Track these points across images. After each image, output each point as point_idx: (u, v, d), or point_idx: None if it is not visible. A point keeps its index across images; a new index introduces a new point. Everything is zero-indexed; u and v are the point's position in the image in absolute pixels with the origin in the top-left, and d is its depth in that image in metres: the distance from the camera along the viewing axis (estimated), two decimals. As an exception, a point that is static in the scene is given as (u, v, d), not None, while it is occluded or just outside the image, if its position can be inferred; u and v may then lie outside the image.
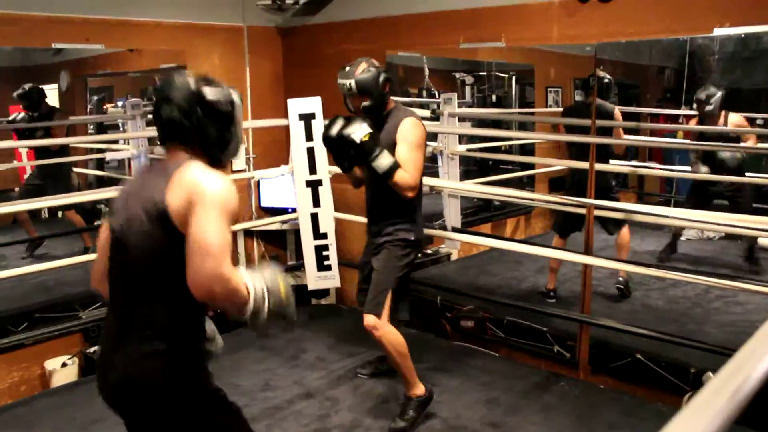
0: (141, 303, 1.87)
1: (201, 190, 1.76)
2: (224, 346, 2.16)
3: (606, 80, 4.15)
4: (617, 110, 4.27)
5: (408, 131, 3.17)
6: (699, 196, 4.54)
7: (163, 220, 1.78)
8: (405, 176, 3.09)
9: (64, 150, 4.93)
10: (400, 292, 3.39)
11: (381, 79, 3.19)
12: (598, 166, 3.76)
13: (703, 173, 4.32)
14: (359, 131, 3.03)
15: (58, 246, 5.06)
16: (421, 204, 3.42)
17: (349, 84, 3.15)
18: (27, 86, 4.61)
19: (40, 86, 4.67)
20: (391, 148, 3.14)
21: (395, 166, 3.06)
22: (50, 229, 5.24)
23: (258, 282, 1.82)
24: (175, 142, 1.92)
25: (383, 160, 3.05)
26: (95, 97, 5.48)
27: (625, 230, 4.32)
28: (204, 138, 1.91)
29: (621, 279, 4.39)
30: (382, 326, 3.21)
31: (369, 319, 3.22)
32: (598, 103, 4.08)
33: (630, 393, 3.61)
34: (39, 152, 4.92)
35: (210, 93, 1.89)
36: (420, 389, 3.30)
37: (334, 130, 3.11)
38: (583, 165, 3.83)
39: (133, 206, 1.86)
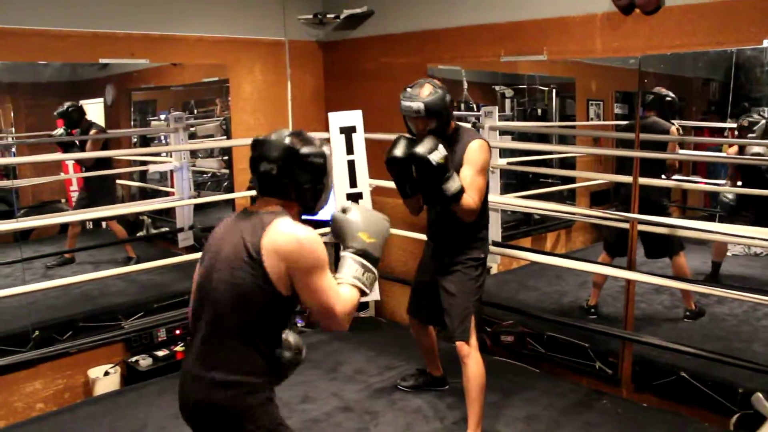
0: (223, 340, 2.02)
1: (302, 250, 1.95)
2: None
3: (668, 98, 4.07)
4: (674, 128, 4.18)
5: (476, 154, 3.12)
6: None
7: (255, 267, 1.95)
8: (469, 201, 3.04)
9: (104, 163, 5.01)
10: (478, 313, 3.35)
11: (448, 100, 3.11)
12: (643, 181, 3.70)
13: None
14: (436, 153, 2.92)
15: (103, 256, 5.14)
16: (488, 222, 3.41)
17: (417, 107, 3.05)
18: (66, 105, 4.70)
19: (80, 105, 4.74)
20: (457, 169, 3.09)
21: (462, 190, 3.01)
22: (93, 240, 5.32)
23: (355, 268, 2.07)
24: (271, 195, 2.08)
25: (453, 183, 2.98)
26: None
27: (681, 259, 4.18)
28: (299, 191, 2.07)
29: (689, 312, 4.26)
30: (474, 353, 3.20)
31: (462, 347, 3.19)
32: (652, 120, 4.02)
33: (674, 412, 3.53)
34: (83, 167, 5.02)
35: (305, 149, 2.04)
36: None
37: (403, 151, 3.01)
38: (627, 179, 3.78)
39: (224, 249, 2.04)
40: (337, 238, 2.19)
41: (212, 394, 2.01)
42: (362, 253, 2.09)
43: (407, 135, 3.14)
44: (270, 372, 2.09)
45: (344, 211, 2.17)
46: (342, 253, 2.13)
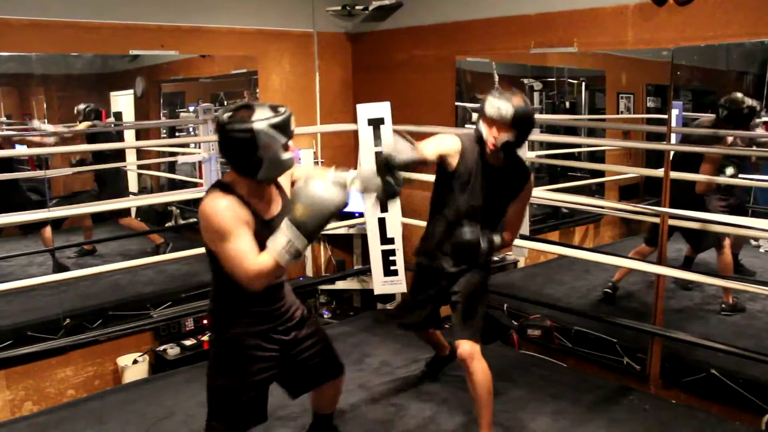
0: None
1: (204, 221, 2.25)
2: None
3: (746, 107, 3.84)
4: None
5: (531, 190, 3.16)
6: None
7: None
8: (511, 237, 3.19)
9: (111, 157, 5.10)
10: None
11: (532, 121, 2.91)
12: (674, 175, 3.65)
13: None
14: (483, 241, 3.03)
15: (131, 246, 5.19)
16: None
17: (507, 111, 2.80)
18: (83, 106, 4.75)
19: (98, 108, 4.80)
20: (510, 201, 3.10)
21: (503, 239, 3.13)
22: (114, 231, 5.37)
23: (279, 240, 2.21)
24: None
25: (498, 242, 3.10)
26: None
27: (726, 250, 4.10)
28: (234, 163, 2.29)
29: (725, 305, 4.13)
30: (479, 354, 3.01)
31: (466, 346, 2.99)
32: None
33: (704, 410, 3.48)
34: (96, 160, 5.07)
35: (230, 125, 2.21)
36: None
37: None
38: (658, 173, 3.72)
39: None
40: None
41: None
42: (295, 224, 2.19)
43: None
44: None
45: (306, 181, 2.25)
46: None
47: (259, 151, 2.20)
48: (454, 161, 3.00)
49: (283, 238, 2.20)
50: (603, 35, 3.77)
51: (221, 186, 2.29)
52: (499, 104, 2.82)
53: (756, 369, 3.33)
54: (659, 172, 3.69)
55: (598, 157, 5.34)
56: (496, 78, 4.92)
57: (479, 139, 2.96)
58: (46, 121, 4.77)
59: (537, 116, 5.08)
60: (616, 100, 5.22)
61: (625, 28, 3.63)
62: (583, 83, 5.39)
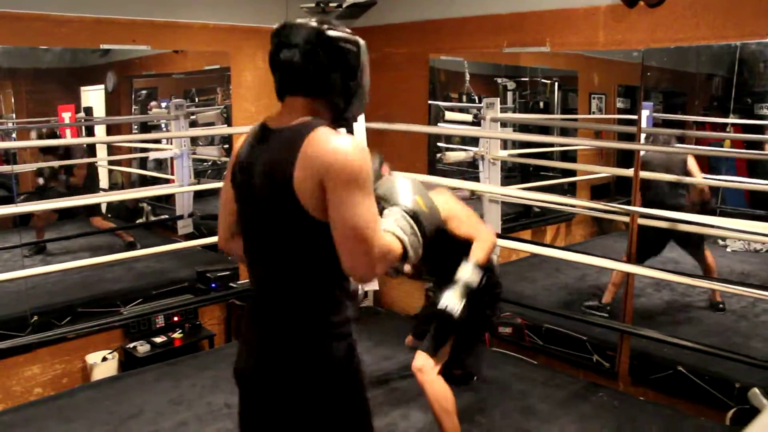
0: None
1: (339, 167, 1.56)
2: None
3: None
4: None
5: (442, 204, 2.90)
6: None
7: (291, 199, 1.60)
8: (484, 245, 2.94)
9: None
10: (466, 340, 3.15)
11: None
12: (644, 174, 3.70)
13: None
14: (454, 303, 2.77)
15: (101, 242, 5.14)
16: None
17: None
18: None
19: None
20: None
21: (478, 266, 2.86)
22: (82, 228, 5.31)
23: (403, 224, 1.78)
24: (294, 94, 1.70)
25: (476, 279, 2.84)
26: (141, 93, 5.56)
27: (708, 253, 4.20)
28: (327, 84, 1.68)
29: (722, 305, 4.22)
30: (430, 369, 2.93)
31: (419, 359, 2.95)
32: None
33: (671, 406, 3.53)
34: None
35: (334, 32, 1.67)
36: None
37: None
38: (627, 173, 3.77)
39: (257, 180, 1.69)
40: (384, 197, 1.94)
41: None
42: (412, 215, 1.82)
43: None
44: None
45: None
46: (388, 209, 1.87)
47: (360, 72, 1.73)
48: None
49: (401, 221, 1.79)
50: (575, 35, 3.80)
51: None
52: None
53: (721, 366, 3.39)
54: (629, 172, 3.73)
55: (570, 156, 5.40)
56: (468, 76, 4.95)
57: None
58: (14, 115, 4.71)
59: (510, 115, 5.14)
60: (588, 101, 5.28)
61: (597, 29, 3.67)
62: (556, 83, 5.44)
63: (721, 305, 4.20)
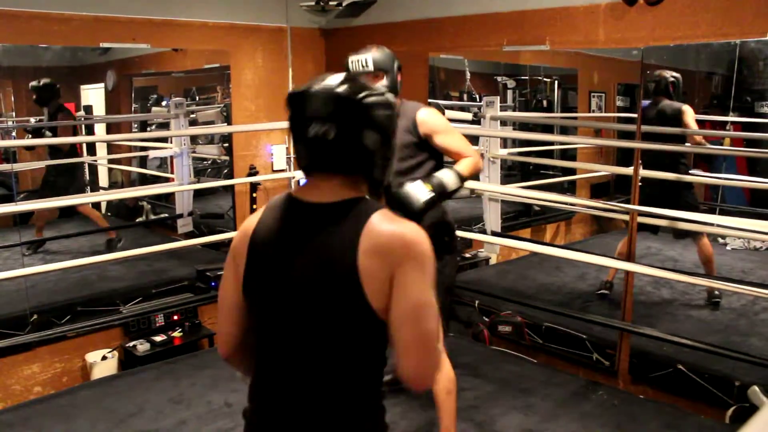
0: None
1: (415, 256, 1.39)
2: None
3: (671, 79, 4.06)
4: (687, 111, 4.11)
5: (433, 121, 2.89)
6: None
7: (354, 291, 1.38)
8: (470, 164, 2.77)
9: (73, 150, 4.96)
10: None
11: (397, 62, 2.93)
12: (643, 173, 3.69)
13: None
14: (418, 199, 2.59)
15: (99, 241, 5.14)
16: None
17: (365, 59, 2.83)
18: (40, 81, 4.59)
19: (54, 84, 4.68)
20: (412, 143, 2.87)
21: (460, 174, 2.71)
22: (74, 227, 5.31)
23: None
24: (330, 172, 1.48)
25: (451, 182, 2.67)
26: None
27: (705, 240, 4.20)
28: (368, 160, 1.47)
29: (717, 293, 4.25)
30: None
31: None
32: (664, 104, 4.03)
33: (670, 404, 3.53)
34: (51, 151, 4.93)
35: (370, 98, 1.45)
36: None
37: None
38: (627, 171, 3.77)
39: (299, 266, 1.44)
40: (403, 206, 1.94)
41: None
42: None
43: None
44: None
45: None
46: None
47: (394, 138, 1.54)
48: None
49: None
50: (575, 34, 3.80)
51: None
52: (357, 57, 2.88)
53: (721, 364, 3.39)
54: (629, 170, 3.73)
55: (570, 155, 5.40)
56: (468, 75, 4.95)
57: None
58: (14, 114, 4.71)
59: (510, 114, 5.14)
60: (588, 99, 5.29)
61: (597, 27, 3.67)
62: (556, 81, 5.44)
63: (716, 299, 4.22)
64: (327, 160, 1.46)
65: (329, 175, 1.47)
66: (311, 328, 1.44)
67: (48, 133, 4.59)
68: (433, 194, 2.60)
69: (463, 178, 2.71)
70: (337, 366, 1.46)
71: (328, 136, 1.42)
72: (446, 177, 2.67)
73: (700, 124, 4.90)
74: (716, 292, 4.20)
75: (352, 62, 2.89)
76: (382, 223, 1.41)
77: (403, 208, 2.57)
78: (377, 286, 1.37)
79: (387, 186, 1.65)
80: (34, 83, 4.58)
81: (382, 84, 2.83)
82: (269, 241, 1.49)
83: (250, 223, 1.54)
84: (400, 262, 1.37)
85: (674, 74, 4.07)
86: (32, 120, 4.75)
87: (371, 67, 2.84)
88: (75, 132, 4.96)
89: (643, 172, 3.72)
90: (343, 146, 1.44)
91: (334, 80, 1.47)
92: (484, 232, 4.45)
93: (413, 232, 1.42)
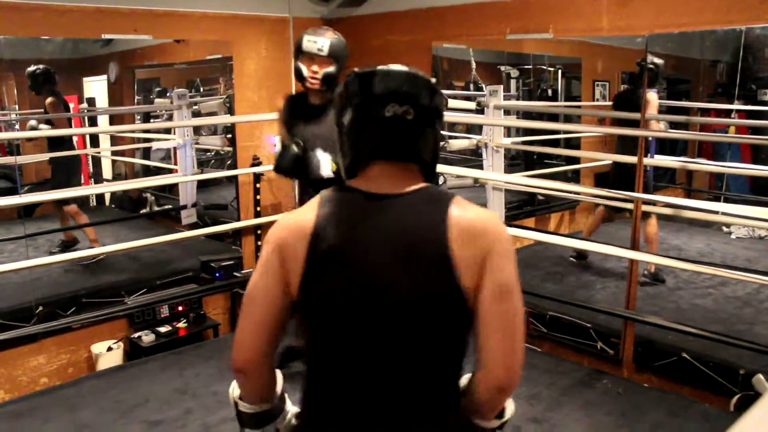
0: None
1: (502, 242, 1.37)
2: None
3: (650, 66, 4.07)
4: (651, 96, 4.14)
5: None
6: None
7: (450, 282, 1.33)
8: None
9: (66, 142, 4.89)
10: None
11: (347, 56, 3.04)
12: (647, 161, 3.68)
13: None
14: (325, 167, 2.93)
15: (106, 233, 5.15)
16: None
17: (321, 44, 2.93)
18: (37, 67, 4.54)
19: (49, 70, 4.64)
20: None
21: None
22: (97, 217, 5.33)
23: None
24: (399, 158, 1.41)
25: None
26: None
27: (653, 221, 4.23)
28: (435, 149, 1.44)
29: (646, 272, 4.35)
30: None
31: None
32: (626, 90, 4.05)
33: (675, 392, 3.53)
34: (50, 144, 4.88)
35: (437, 87, 1.43)
36: None
37: (288, 165, 2.99)
38: (631, 159, 3.76)
39: (388, 262, 1.35)
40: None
41: None
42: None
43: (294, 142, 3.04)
44: None
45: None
46: None
47: None
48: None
49: None
50: (578, 21, 3.78)
51: None
52: (315, 38, 2.96)
53: (725, 353, 3.39)
54: (633, 159, 3.72)
55: (573, 144, 5.39)
56: (473, 65, 4.93)
57: (299, 75, 3.05)
58: (17, 106, 4.71)
59: (514, 103, 5.12)
60: (592, 88, 5.26)
61: (600, 15, 3.64)
62: (560, 70, 5.42)
63: (660, 277, 4.32)
64: (402, 142, 1.39)
65: (396, 163, 1.41)
66: (407, 325, 1.35)
67: (42, 126, 4.58)
68: (331, 174, 2.88)
69: None
70: (434, 362, 1.39)
71: (408, 116, 1.36)
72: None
73: (705, 112, 4.89)
74: (660, 277, 4.36)
75: (308, 41, 2.96)
76: (466, 211, 1.36)
77: (303, 170, 2.92)
78: (469, 274, 1.33)
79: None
80: (29, 69, 4.55)
81: (328, 71, 2.97)
82: (346, 239, 1.37)
83: (301, 221, 1.40)
84: (489, 249, 1.34)
85: (656, 61, 4.06)
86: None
87: (326, 52, 2.95)
88: (70, 121, 4.91)
89: (647, 161, 3.71)
90: (418, 129, 1.38)
91: (398, 65, 1.41)
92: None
93: (496, 219, 1.40)
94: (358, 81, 1.40)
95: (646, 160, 3.68)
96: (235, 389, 1.52)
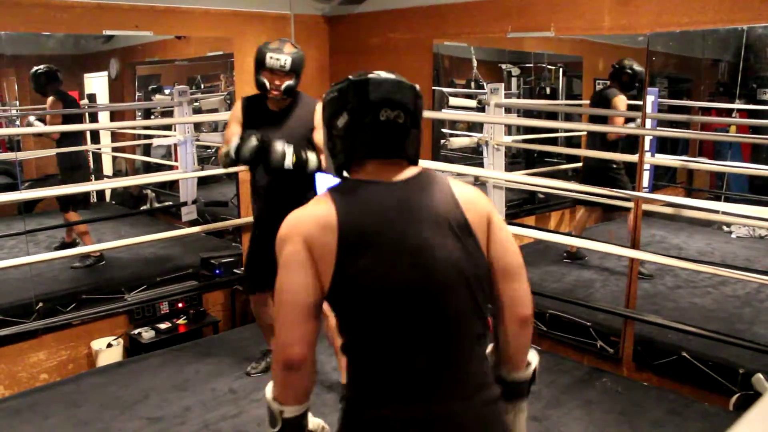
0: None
1: (492, 207, 1.60)
2: None
3: (628, 71, 4.23)
4: (617, 98, 4.32)
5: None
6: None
7: (476, 247, 1.52)
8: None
9: (72, 140, 4.86)
10: None
11: (304, 62, 3.28)
12: (649, 160, 3.68)
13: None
14: (289, 156, 3.11)
15: (106, 230, 5.15)
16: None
17: (284, 61, 3.15)
18: (38, 68, 4.53)
19: (54, 69, 4.61)
20: (308, 132, 3.29)
21: (320, 162, 3.20)
22: (97, 213, 5.33)
23: None
24: (393, 156, 1.55)
25: (313, 165, 3.20)
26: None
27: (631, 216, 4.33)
28: (419, 146, 1.61)
29: (566, 253, 4.73)
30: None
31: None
32: (601, 89, 4.31)
33: (674, 391, 3.53)
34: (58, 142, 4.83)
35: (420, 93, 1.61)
36: None
37: (250, 153, 3.10)
38: (632, 158, 3.75)
39: (426, 238, 1.46)
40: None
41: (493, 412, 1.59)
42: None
43: (253, 133, 3.17)
44: None
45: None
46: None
47: None
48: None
49: None
50: (580, 20, 3.77)
51: None
52: (278, 56, 3.18)
53: (725, 352, 3.39)
54: (634, 158, 3.72)
55: (574, 142, 5.38)
56: (474, 63, 4.92)
57: (262, 87, 3.27)
58: (17, 102, 4.70)
59: (515, 101, 5.12)
60: (593, 86, 5.25)
61: (602, 13, 3.64)
62: (561, 69, 5.41)
63: (569, 255, 4.63)
64: (394, 143, 1.53)
65: (388, 160, 1.55)
66: (452, 294, 1.47)
67: (37, 122, 4.56)
68: (291, 166, 3.11)
69: (320, 168, 3.22)
70: (474, 329, 1.52)
71: (399, 120, 1.51)
72: (312, 160, 3.19)
73: (706, 111, 4.88)
74: (577, 252, 4.64)
75: (271, 57, 3.18)
76: (462, 186, 1.58)
77: (264, 159, 3.10)
78: (482, 236, 1.54)
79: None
80: (32, 71, 4.54)
81: (289, 83, 3.23)
82: (378, 224, 1.46)
83: (321, 215, 1.46)
84: (488, 212, 1.56)
85: (635, 66, 4.22)
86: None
87: (288, 68, 3.19)
88: (69, 117, 4.87)
89: (649, 159, 3.71)
90: (407, 131, 1.54)
91: (386, 73, 1.56)
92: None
93: (479, 191, 1.62)
94: (353, 88, 1.52)
95: (649, 159, 3.68)
96: (279, 405, 1.49)
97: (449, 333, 1.48)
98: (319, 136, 3.22)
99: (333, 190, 1.52)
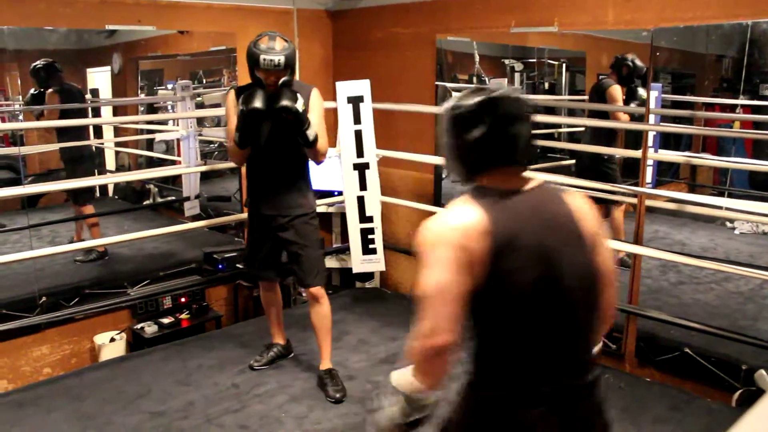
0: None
1: (599, 219, 1.80)
2: None
3: (629, 63, 4.15)
4: (612, 88, 4.29)
5: (318, 101, 3.45)
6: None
7: (590, 252, 1.71)
8: (324, 143, 3.40)
9: (73, 133, 4.83)
10: None
11: (296, 53, 3.36)
12: (652, 155, 3.67)
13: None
14: (299, 103, 3.21)
15: (109, 225, 5.15)
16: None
17: (278, 60, 3.21)
18: (36, 63, 4.49)
19: (54, 63, 4.60)
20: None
21: (317, 135, 3.33)
22: (100, 208, 5.32)
23: None
24: (521, 164, 1.76)
25: (312, 130, 3.30)
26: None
27: (616, 213, 4.29)
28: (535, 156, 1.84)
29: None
30: (325, 296, 3.58)
31: (319, 290, 3.54)
32: (598, 81, 4.33)
33: (677, 387, 3.53)
34: (59, 135, 4.82)
35: None
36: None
37: (266, 103, 3.20)
38: (635, 154, 3.75)
39: (559, 241, 1.65)
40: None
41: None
42: None
43: (261, 89, 3.27)
44: None
45: None
46: None
47: None
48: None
49: None
50: (584, 15, 3.77)
51: None
52: (272, 57, 3.21)
53: (728, 348, 3.39)
54: (637, 153, 3.71)
55: (577, 138, 5.36)
56: (477, 57, 4.91)
57: (258, 83, 3.31)
58: (20, 97, 4.69)
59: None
60: (597, 82, 5.23)
61: (606, 8, 3.63)
62: (564, 64, 5.39)
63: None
64: (522, 152, 1.72)
65: (515, 167, 1.73)
66: (582, 293, 1.67)
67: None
68: (300, 109, 3.21)
69: (316, 140, 3.33)
70: (596, 325, 1.79)
71: (525, 133, 1.72)
72: (312, 129, 3.31)
73: (710, 107, 4.87)
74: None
75: (264, 59, 3.22)
76: (574, 197, 1.76)
77: (276, 100, 3.18)
78: (592, 244, 1.70)
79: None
80: (32, 66, 4.53)
81: (285, 79, 3.27)
82: (522, 230, 1.62)
83: (469, 221, 1.60)
84: (597, 223, 1.75)
85: (636, 61, 4.14)
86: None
87: (282, 66, 3.23)
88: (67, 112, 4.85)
89: (652, 155, 3.70)
90: (531, 141, 1.75)
91: (511, 90, 1.75)
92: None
93: (588, 202, 1.79)
94: (489, 104, 1.69)
95: (653, 155, 3.67)
96: (423, 394, 1.68)
97: (578, 326, 1.69)
98: (314, 118, 3.34)
99: (476, 197, 1.66)
